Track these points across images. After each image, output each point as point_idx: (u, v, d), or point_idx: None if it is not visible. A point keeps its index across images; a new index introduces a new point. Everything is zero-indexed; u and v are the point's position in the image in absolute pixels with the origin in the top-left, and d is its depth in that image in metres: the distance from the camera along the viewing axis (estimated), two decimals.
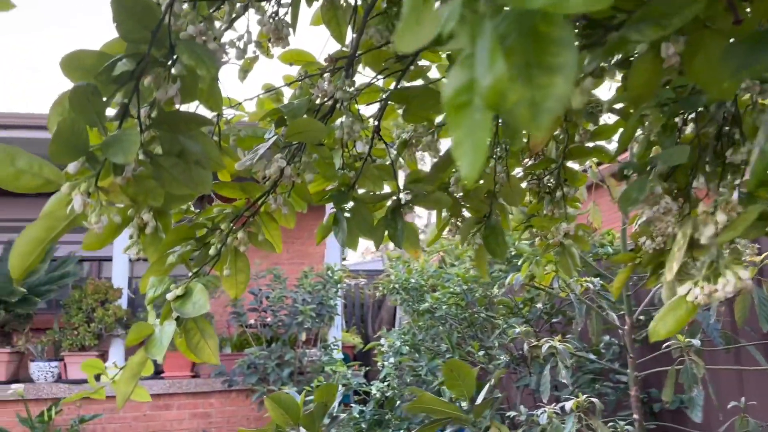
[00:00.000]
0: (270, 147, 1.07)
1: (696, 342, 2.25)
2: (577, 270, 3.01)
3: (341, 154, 1.46)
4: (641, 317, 3.27)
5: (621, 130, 1.82)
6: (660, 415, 3.59)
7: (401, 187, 1.48)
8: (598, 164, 3.02)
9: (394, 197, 1.47)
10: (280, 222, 1.29)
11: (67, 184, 0.78)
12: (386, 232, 1.45)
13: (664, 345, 2.37)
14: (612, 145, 2.55)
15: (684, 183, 1.83)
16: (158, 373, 6.53)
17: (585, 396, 2.29)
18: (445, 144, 1.62)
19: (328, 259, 6.97)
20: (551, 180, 1.86)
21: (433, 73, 1.53)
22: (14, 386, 5.43)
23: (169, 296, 0.97)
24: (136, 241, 1.17)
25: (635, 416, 2.49)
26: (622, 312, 2.99)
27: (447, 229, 1.85)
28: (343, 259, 11.06)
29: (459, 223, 1.79)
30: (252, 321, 6.15)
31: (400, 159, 1.65)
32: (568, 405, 2.27)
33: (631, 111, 1.70)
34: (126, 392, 0.97)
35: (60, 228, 0.80)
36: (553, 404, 2.57)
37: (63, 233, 0.82)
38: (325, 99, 1.20)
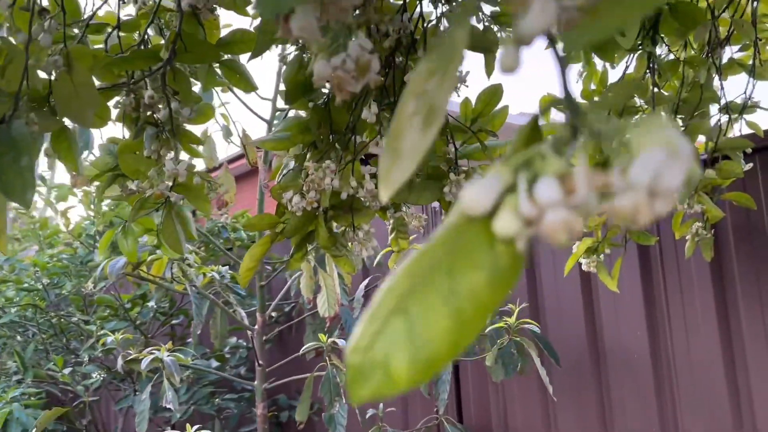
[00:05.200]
0: None
1: (343, 343, 1.82)
2: (196, 253, 2.35)
3: None
4: (274, 314, 2.78)
5: None
6: (288, 425, 3.17)
7: None
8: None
9: None
10: None
11: None
12: None
13: (303, 348, 1.89)
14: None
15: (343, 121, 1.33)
16: None
17: (196, 428, 1.64)
18: None
19: None
20: (155, 95, 1.16)
21: None
22: None
23: None
24: None
25: None
26: (253, 308, 2.44)
27: None
28: None
29: None
30: None
31: None
32: None
33: None
34: None
35: None
36: None
37: None
38: None
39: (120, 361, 1.87)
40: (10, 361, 2.80)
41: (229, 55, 1.29)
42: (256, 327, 2.02)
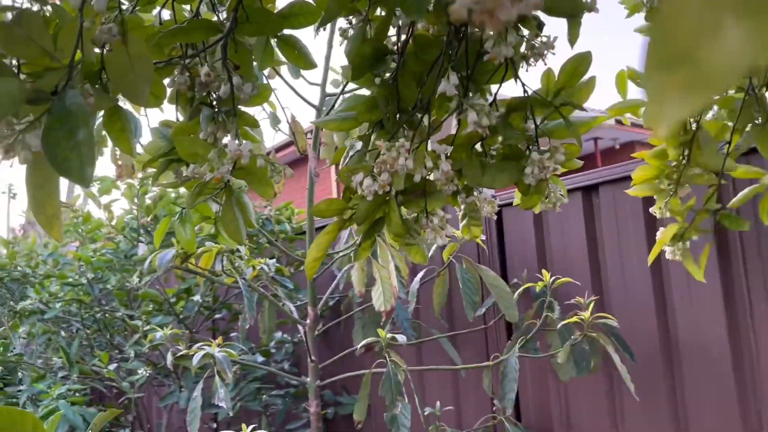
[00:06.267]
0: None
1: (402, 338, 1.72)
2: (247, 244, 2.27)
3: None
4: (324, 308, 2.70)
5: None
6: (334, 422, 3.09)
7: None
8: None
9: None
10: None
11: None
12: None
13: (360, 344, 1.79)
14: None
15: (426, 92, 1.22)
16: None
17: (251, 428, 1.56)
18: None
19: None
20: (212, 72, 1.07)
21: None
22: None
23: None
24: None
25: None
26: (300, 302, 2.36)
27: None
28: None
29: None
30: None
31: None
32: None
33: None
34: None
35: None
36: None
37: None
38: None
39: (170, 357, 1.80)
40: (56, 357, 2.78)
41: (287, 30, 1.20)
42: (308, 321, 1.93)
